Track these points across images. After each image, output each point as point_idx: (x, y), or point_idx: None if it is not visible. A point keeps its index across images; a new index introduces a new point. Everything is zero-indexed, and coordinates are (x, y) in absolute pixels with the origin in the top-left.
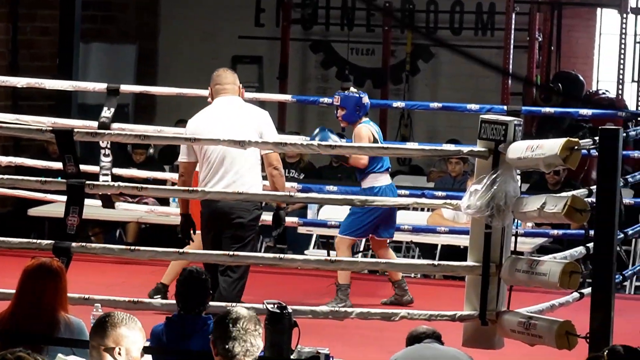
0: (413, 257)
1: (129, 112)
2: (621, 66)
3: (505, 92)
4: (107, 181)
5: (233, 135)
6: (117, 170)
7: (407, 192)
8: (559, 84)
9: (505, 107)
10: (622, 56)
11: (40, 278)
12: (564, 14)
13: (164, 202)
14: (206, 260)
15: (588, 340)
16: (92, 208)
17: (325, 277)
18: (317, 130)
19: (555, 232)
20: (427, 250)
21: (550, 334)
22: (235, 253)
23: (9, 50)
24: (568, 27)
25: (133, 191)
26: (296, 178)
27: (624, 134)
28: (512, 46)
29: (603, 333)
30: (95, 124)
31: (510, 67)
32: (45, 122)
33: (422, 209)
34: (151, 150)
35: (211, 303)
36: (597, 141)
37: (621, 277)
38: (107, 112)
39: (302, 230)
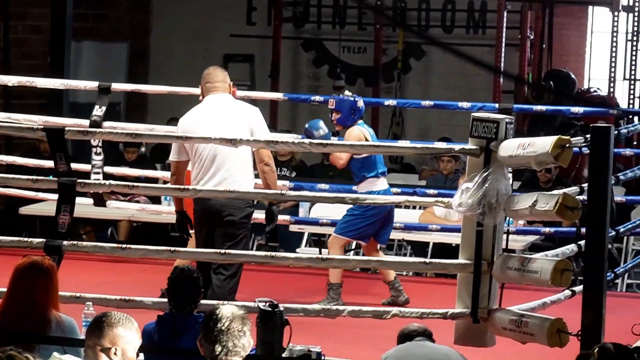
0: (405, 255)
1: (121, 110)
2: (613, 64)
3: (497, 90)
4: (99, 179)
5: (224, 132)
6: (109, 169)
7: (399, 190)
8: (551, 82)
9: (496, 105)
10: (613, 54)
11: (32, 276)
12: (555, 12)
13: (155, 200)
14: (197, 259)
15: (579, 337)
16: (84, 206)
17: (317, 275)
18: (310, 122)
19: (546, 229)
20: (419, 248)
21: (542, 332)
22: (227, 251)
23: (0, 49)
24: (560, 25)
25: (124, 189)
26: (288, 176)
27: (615, 132)
28: (503, 44)
29: (594, 331)
30: (86, 122)
31: (502, 65)
32: (37, 120)
33: (414, 207)
34: (143, 149)
35: (203, 301)
36: (589, 139)
37: (613, 274)
38: (98, 111)
39: (293, 228)
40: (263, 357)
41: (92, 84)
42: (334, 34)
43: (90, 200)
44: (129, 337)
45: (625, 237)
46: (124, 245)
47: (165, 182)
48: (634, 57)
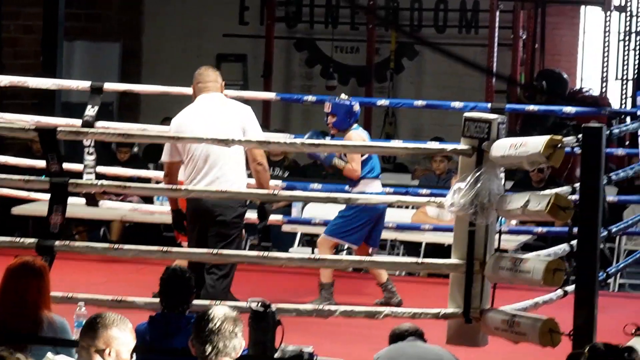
0: (398, 254)
1: (114, 110)
2: (605, 64)
3: (490, 90)
4: (91, 179)
5: (217, 132)
6: (101, 169)
7: (391, 189)
8: (543, 82)
9: (489, 105)
10: (605, 54)
11: (23, 277)
12: (548, 11)
13: (148, 200)
14: (190, 259)
15: (571, 337)
16: (76, 206)
17: (309, 275)
18: (309, 133)
19: (539, 229)
20: (412, 248)
21: (534, 332)
22: (219, 251)
23: None
24: (552, 25)
25: (117, 189)
26: (280, 176)
27: (607, 132)
28: (496, 44)
29: (587, 330)
30: (79, 122)
31: (495, 65)
32: (29, 120)
33: (407, 207)
34: (135, 149)
35: (196, 301)
36: (580, 139)
37: (605, 274)
38: (90, 111)
39: (286, 228)
40: (255, 357)
41: (85, 84)
42: (327, 33)
43: (83, 200)
44: (123, 339)
45: (617, 237)
46: (115, 246)
47: (157, 182)
48: (626, 57)
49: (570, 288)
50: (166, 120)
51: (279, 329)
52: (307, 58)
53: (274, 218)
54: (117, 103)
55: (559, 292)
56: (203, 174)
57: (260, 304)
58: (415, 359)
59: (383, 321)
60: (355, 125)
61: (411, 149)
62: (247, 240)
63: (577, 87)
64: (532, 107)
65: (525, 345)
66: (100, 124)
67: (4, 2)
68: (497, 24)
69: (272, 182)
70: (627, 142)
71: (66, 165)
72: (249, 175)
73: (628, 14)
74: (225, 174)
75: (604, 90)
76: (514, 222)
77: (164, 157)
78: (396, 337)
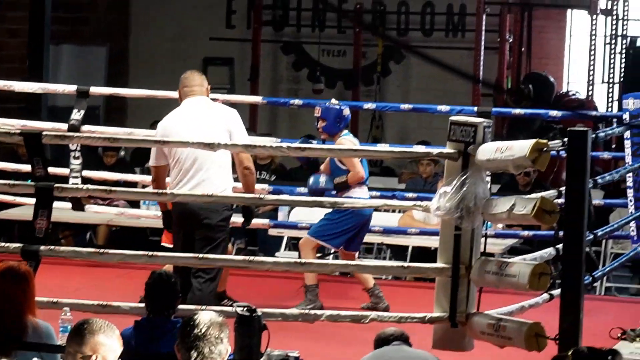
0: (384, 258)
1: (100, 113)
2: (591, 67)
3: (476, 94)
4: (77, 184)
5: (202, 135)
6: (88, 173)
7: (378, 193)
8: (530, 85)
9: (475, 109)
10: (592, 57)
11: (8, 282)
12: (534, 15)
13: (134, 204)
14: (175, 263)
15: (557, 341)
16: (62, 211)
17: (296, 279)
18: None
19: (525, 233)
20: (399, 252)
21: (520, 336)
22: (205, 255)
23: None
24: (538, 29)
25: (102, 194)
26: (267, 180)
27: (593, 135)
28: (482, 47)
29: (572, 334)
30: (65, 126)
31: (481, 68)
32: (15, 124)
33: (394, 211)
34: (122, 153)
35: (181, 306)
36: (566, 142)
37: (591, 278)
38: (76, 115)
39: (273, 232)
40: None
41: (71, 88)
42: (314, 37)
43: (69, 205)
44: (110, 345)
45: (603, 241)
46: (101, 250)
47: (144, 186)
48: (612, 60)
49: (556, 292)
50: (155, 124)
51: (265, 334)
52: (294, 61)
53: (261, 222)
54: (103, 107)
55: (545, 296)
56: (189, 177)
57: (245, 308)
58: None
59: (370, 324)
60: (345, 131)
61: (397, 153)
62: (234, 244)
63: (564, 90)
64: (518, 111)
65: (511, 350)
66: (86, 127)
67: None
68: (483, 28)
69: (259, 186)
70: (613, 146)
71: (52, 170)
72: (236, 179)
73: (614, 17)
74: (210, 177)
75: (590, 93)
76: (500, 225)
77: (151, 162)
78: (381, 341)
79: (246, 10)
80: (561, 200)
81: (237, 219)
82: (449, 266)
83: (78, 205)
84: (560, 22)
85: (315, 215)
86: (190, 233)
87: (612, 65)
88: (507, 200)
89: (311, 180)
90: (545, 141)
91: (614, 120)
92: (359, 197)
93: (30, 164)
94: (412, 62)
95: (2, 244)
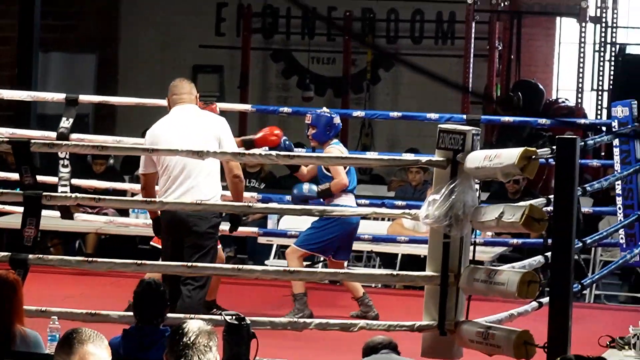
0: (374, 266)
1: (89, 121)
2: (580, 75)
3: (466, 101)
4: (66, 192)
5: (191, 143)
6: (77, 181)
7: (367, 201)
8: (519, 93)
9: (464, 116)
10: (581, 65)
11: None
12: (523, 22)
13: (123, 212)
14: (164, 272)
15: (546, 349)
16: (51, 219)
17: (285, 287)
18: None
19: (515, 241)
20: (388, 260)
21: (509, 344)
22: (194, 264)
23: None
24: (528, 36)
25: (90, 202)
26: (257, 188)
27: (582, 143)
28: (472, 55)
29: (561, 342)
30: (54, 134)
31: (471, 75)
32: (3, 132)
33: (383, 219)
34: (111, 161)
35: (170, 314)
36: (555, 150)
37: (580, 286)
38: (65, 123)
39: (262, 240)
40: None
41: (59, 96)
42: (303, 44)
43: (58, 213)
44: (99, 355)
45: (593, 248)
46: (90, 259)
47: (133, 194)
48: (601, 68)
49: (546, 300)
50: (145, 133)
51: (254, 342)
52: (284, 69)
53: (250, 230)
54: (93, 115)
55: (534, 304)
56: (177, 184)
57: (234, 316)
58: None
59: (359, 333)
60: (335, 140)
61: (386, 161)
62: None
63: (553, 97)
64: (507, 119)
65: (500, 358)
66: (75, 136)
67: None
68: (473, 35)
69: (249, 194)
70: (602, 153)
71: (41, 178)
72: (225, 187)
73: (603, 25)
74: (199, 184)
75: (579, 101)
76: (489, 233)
77: (140, 169)
78: (370, 350)
79: (236, 18)
80: (550, 208)
81: (225, 227)
82: (438, 274)
83: (67, 213)
84: (550, 30)
85: (304, 224)
86: (179, 240)
87: (601, 73)
88: (495, 208)
89: (295, 189)
90: (533, 149)
91: (603, 127)
92: (345, 205)
93: (18, 173)
94: (402, 70)
95: None
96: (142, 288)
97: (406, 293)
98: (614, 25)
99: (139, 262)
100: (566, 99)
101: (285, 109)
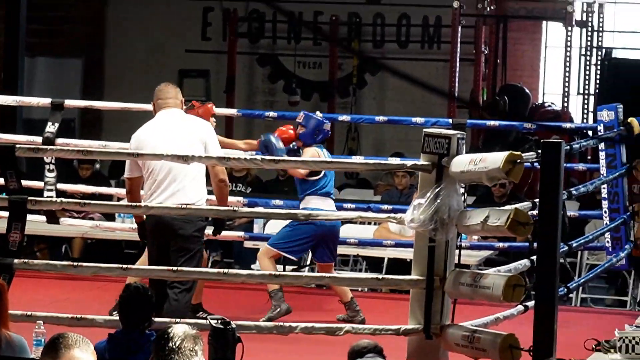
0: (360, 270)
1: (75, 126)
2: (566, 79)
3: (452, 105)
4: (52, 197)
5: (176, 147)
6: (63, 186)
7: (353, 205)
8: (505, 97)
9: (450, 121)
10: (567, 69)
11: None
12: (509, 27)
13: (109, 217)
14: (150, 276)
15: (532, 353)
16: (37, 223)
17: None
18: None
19: (500, 244)
20: (375, 264)
21: (494, 348)
22: (179, 268)
23: None
24: (514, 40)
25: (76, 207)
26: (243, 192)
27: (567, 147)
28: (458, 59)
29: (547, 346)
30: (40, 139)
31: (457, 80)
32: None
33: (369, 223)
34: (97, 166)
35: (156, 319)
36: (540, 154)
37: (565, 289)
38: (51, 127)
39: (248, 244)
40: None
41: (45, 101)
42: (289, 49)
43: (44, 218)
44: None
45: (579, 252)
46: (75, 263)
47: (119, 199)
48: (587, 72)
49: (531, 303)
50: None
51: (239, 346)
52: (270, 73)
53: (236, 234)
54: (79, 119)
55: (520, 307)
56: (163, 188)
57: (220, 321)
58: None
59: (345, 336)
60: (319, 145)
61: (371, 165)
62: (210, 257)
63: (539, 101)
64: (493, 123)
65: None
66: (61, 140)
67: None
68: (459, 39)
69: (235, 198)
70: (589, 157)
71: (27, 183)
72: (210, 192)
73: (589, 29)
74: (184, 188)
75: (565, 105)
76: (475, 237)
77: (125, 173)
78: (355, 354)
79: (222, 23)
80: (535, 212)
81: (209, 230)
82: (424, 278)
83: (53, 218)
84: (536, 34)
85: None
86: (165, 244)
87: (587, 77)
88: (481, 212)
89: (264, 136)
90: (518, 153)
91: (589, 131)
92: (315, 207)
93: (3, 177)
94: (388, 74)
95: None
96: (128, 293)
97: (392, 297)
98: (600, 29)
99: (125, 266)
100: (552, 103)
101: (271, 114)
